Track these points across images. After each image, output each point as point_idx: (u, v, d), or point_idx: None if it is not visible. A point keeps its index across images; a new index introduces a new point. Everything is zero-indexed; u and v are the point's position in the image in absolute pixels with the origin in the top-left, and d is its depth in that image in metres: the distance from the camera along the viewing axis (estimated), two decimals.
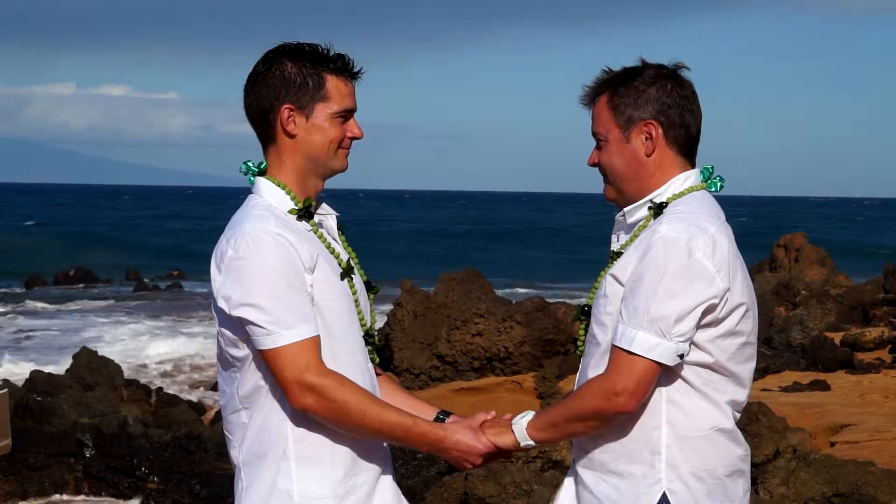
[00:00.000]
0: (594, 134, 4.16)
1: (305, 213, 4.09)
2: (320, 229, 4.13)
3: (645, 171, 4.09)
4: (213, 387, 18.86)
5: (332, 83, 4.10)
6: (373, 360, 4.17)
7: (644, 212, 4.08)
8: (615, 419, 3.97)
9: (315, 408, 3.95)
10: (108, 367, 16.80)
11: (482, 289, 17.43)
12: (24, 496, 14.31)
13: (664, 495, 3.98)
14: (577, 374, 4.18)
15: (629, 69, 4.13)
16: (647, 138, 4.09)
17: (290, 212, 4.08)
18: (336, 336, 4.04)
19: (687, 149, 4.13)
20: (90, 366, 16.66)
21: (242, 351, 4.02)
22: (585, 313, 4.16)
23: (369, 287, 4.23)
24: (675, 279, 3.90)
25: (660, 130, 4.08)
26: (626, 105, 4.09)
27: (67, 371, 16.71)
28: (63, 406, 15.49)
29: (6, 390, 12.08)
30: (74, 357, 17.04)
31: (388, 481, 4.13)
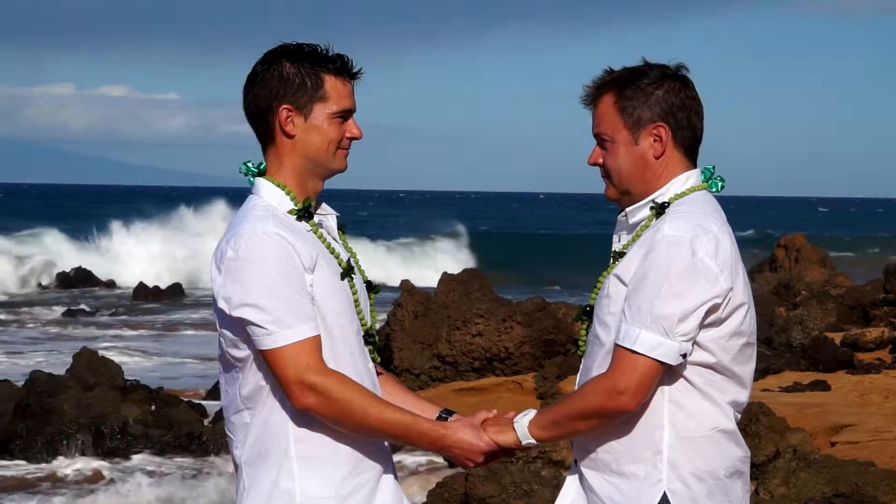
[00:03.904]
0: (598, 134, 4.14)
1: (305, 214, 4.09)
2: (320, 229, 4.13)
3: (652, 172, 4.09)
4: (214, 387, 18.86)
5: (331, 83, 4.10)
6: (374, 360, 4.17)
7: (646, 212, 4.08)
8: (617, 418, 3.97)
9: (316, 407, 3.95)
10: (109, 367, 16.79)
11: (482, 289, 17.43)
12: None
13: (665, 495, 3.98)
14: (579, 374, 4.18)
15: (633, 69, 4.12)
16: (655, 140, 4.08)
17: (290, 212, 4.08)
18: (336, 336, 4.04)
19: (692, 150, 4.14)
20: (90, 366, 16.65)
21: (243, 351, 4.02)
22: (587, 313, 4.16)
23: (370, 287, 4.23)
24: (679, 279, 3.90)
25: (669, 133, 4.08)
26: (634, 107, 4.07)
27: (67, 371, 16.70)
28: (63, 406, 15.49)
29: None
30: (74, 357, 17.03)
31: (389, 480, 4.13)
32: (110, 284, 43.61)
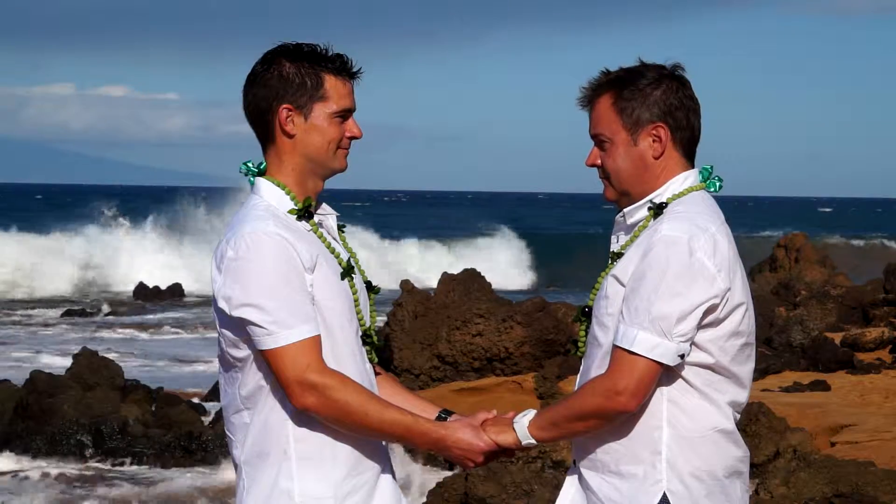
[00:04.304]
0: (596, 135, 4.14)
1: (305, 213, 4.10)
2: (320, 229, 4.13)
3: (651, 173, 4.09)
4: (214, 387, 18.87)
5: (331, 83, 4.10)
6: (371, 360, 4.17)
7: (644, 212, 4.08)
8: (616, 419, 3.97)
9: (316, 407, 3.95)
10: (109, 368, 16.81)
11: (482, 289, 17.43)
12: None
13: (664, 496, 3.98)
14: (579, 375, 4.18)
15: (629, 70, 4.12)
16: (654, 140, 4.08)
17: (290, 212, 4.08)
18: (336, 336, 4.04)
19: (690, 150, 4.14)
20: (90, 366, 16.66)
21: (243, 351, 4.03)
22: (586, 314, 4.16)
23: (370, 287, 4.23)
24: (677, 279, 3.90)
25: (668, 133, 4.08)
26: (633, 107, 4.07)
27: (68, 371, 16.71)
28: (63, 406, 15.51)
29: None
30: (74, 357, 17.04)
31: (388, 480, 4.13)
32: (110, 284, 43.61)
